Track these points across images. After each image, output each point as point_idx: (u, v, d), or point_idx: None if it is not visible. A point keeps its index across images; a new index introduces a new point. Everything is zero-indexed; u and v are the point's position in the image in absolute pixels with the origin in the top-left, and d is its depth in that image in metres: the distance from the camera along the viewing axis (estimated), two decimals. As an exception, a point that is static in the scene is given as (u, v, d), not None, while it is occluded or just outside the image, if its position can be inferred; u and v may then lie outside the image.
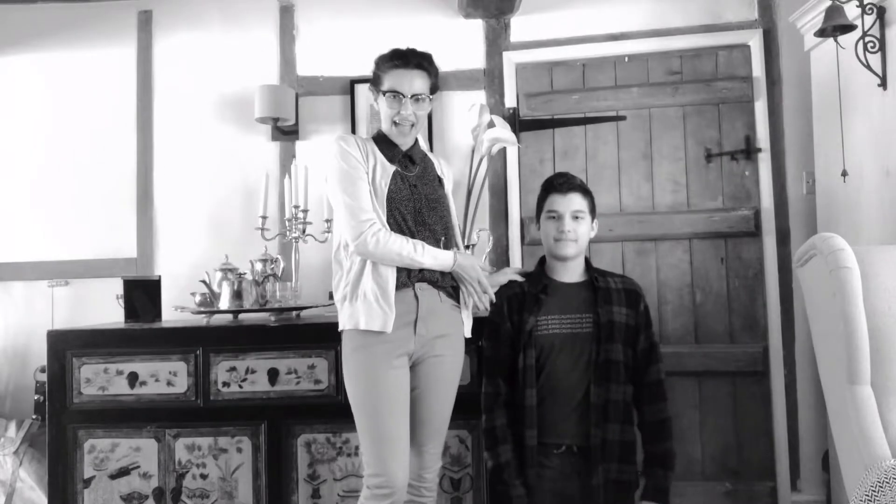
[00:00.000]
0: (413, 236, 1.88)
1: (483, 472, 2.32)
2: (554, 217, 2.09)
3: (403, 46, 1.96)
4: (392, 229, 1.86)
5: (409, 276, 1.87)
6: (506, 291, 2.12)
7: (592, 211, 2.13)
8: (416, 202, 1.93)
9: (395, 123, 1.93)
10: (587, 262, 2.16)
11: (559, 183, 2.11)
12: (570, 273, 2.12)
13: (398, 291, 1.85)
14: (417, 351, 1.89)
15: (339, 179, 1.88)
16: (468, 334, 2.03)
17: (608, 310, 2.04)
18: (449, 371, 1.96)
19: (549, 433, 2.00)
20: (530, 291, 2.09)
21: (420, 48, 1.97)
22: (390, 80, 1.91)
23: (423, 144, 2.74)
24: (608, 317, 2.03)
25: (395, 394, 1.84)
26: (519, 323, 2.06)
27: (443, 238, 1.96)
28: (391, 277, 1.84)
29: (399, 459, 1.82)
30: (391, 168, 1.93)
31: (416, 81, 1.91)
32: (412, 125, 1.94)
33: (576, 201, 2.08)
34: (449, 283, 1.96)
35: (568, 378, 2.01)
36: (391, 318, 1.82)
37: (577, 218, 2.07)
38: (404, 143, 1.98)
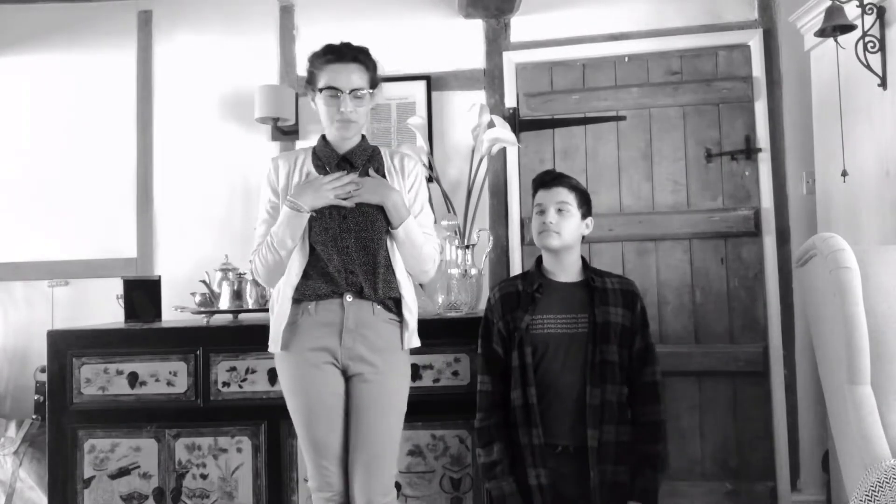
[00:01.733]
0: (339, 241, 1.83)
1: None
2: (539, 211, 2.09)
3: (337, 42, 1.86)
4: (319, 240, 1.83)
5: (333, 290, 1.83)
6: (501, 289, 2.12)
7: (583, 206, 2.10)
8: (340, 208, 1.83)
9: (336, 124, 1.84)
10: (584, 261, 2.15)
11: (544, 180, 2.12)
12: (567, 272, 2.10)
13: (323, 301, 1.83)
14: (350, 364, 1.84)
15: (260, 212, 1.95)
16: (411, 345, 1.92)
17: (604, 310, 2.02)
18: (386, 387, 1.85)
19: (545, 433, 1.99)
20: (525, 290, 2.08)
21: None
22: (326, 76, 1.82)
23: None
24: (604, 317, 2.01)
25: (320, 398, 1.82)
26: (512, 321, 2.05)
27: (379, 219, 1.86)
28: (287, 295, 1.84)
29: (330, 460, 1.82)
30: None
31: (353, 76, 1.81)
32: (353, 124, 1.84)
33: (560, 194, 2.07)
34: (385, 296, 1.86)
35: (563, 378, 2.00)
36: (279, 340, 1.84)
37: (560, 210, 2.05)
38: (343, 146, 1.89)
